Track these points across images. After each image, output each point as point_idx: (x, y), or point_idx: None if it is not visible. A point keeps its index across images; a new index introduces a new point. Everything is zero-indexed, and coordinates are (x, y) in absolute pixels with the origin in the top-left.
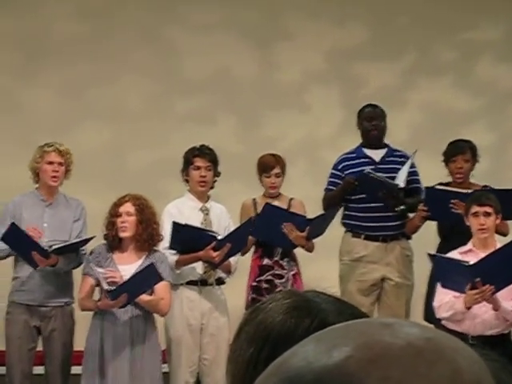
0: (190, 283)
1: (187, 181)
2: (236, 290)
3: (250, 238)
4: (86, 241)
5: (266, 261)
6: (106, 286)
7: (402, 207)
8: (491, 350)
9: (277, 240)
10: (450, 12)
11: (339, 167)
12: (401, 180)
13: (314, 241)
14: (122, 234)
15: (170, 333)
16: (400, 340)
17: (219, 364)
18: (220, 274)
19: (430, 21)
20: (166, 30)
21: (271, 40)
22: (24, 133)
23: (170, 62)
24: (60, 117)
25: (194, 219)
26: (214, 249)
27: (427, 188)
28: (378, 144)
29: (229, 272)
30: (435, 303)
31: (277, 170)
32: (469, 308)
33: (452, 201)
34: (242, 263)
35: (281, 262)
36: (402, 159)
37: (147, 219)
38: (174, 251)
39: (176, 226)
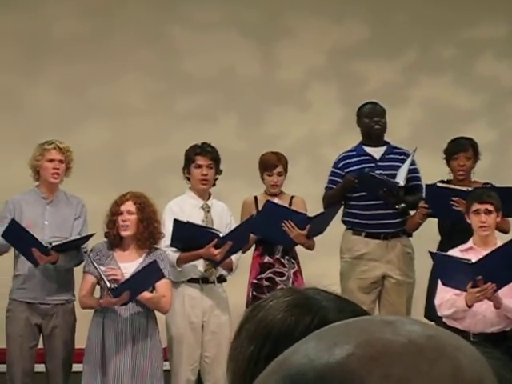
0: (192, 281)
1: (188, 179)
2: (237, 288)
3: (252, 235)
4: (87, 238)
5: (266, 258)
6: (108, 284)
7: (402, 205)
8: (493, 347)
9: (277, 237)
10: (451, 9)
11: (339, 165)
12: (401, 178)
13: (315, 238)
14: (124, 233)
15: (171, 330)
16: (401, 337)
17: (220, 362)
18: (221, 271)
19: (430, 18)
20: (168, 29)
21: (272, 38)
22: (25, 131)
23: (172, 61)
24: (61, 115)
25: (196, 217)
26: (216, 246)
27: (428, 185)
28: (378, 141)
29: (230, 270)
30: (436, 301)
31: (279, 169)
32: (470, 306)
33: (453, 198)
34: (243, 261)
35: (282, 259)
36: (402, 157)
37: (148, 218)
38: (175, 249)
39: (177, 224)
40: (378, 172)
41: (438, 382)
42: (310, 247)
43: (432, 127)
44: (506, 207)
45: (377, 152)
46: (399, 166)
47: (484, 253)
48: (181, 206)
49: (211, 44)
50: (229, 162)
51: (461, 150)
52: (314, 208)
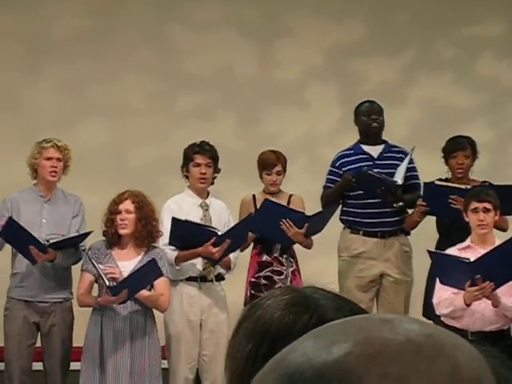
0: (190, 279)
1: (187, 177)
2: (235, 286)
3: (251, 234)
4: (84, 235)
5: (264, 257)
6: (107, 282)
7: (400, 203)
8: (491, 346)
9: (275, 236)
10: (451, 8)
11: (337, 164)
12: (399, 177)
13: (313, 237)
14: (122, 232)
15: (169, 329)
16: (399, 336)
17: (218, 360)
18: (219, 270)
19: (429, 17)
20: (167, 28)
21: (272, 38)
22: (25, 131)
23: (171, 60)
24: (61, 114)
25: (194, 215)
26: (214, 245)
27: (426, 183)
28: (376, 140)
29: (228, 268)
30: (434, 300)
31: (278, 168)
32: (468, 305)
33: (451, 196)
34: (242, 259)
35: (280, 258)
36: (400, 155)
37: (146, 216)
38: (173, 247)
39: (176, 222)
40: (375, 170)
41: (436, 380)
42: (308, 246)
43: (431, 127)
44: (504, 205)
45: (375, 150)
46: (397, 165)
47: (482, 251)
48: (179, 205)
49: (211, 44)
50: (227, 161)
51: (459, 148)
52: (313, 207)
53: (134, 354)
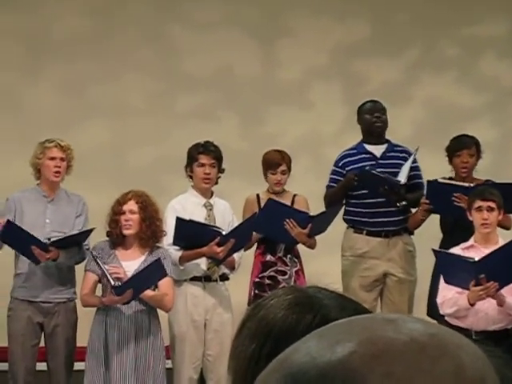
0: (194, 279)
1: (191, 177)
2: (240, 286)
3: (255, 234)
4: (86, 233)
5: (268, 257)
6: (112, 282)
7: (403, 203)
8: (495, 346)
9: (279, 236)
10: (452, 8)
11: (340, 164)
12: (403, 176)
13: (316, 237)
14: (126, 232)
15: (173, 329)
16: (403, 336)
17: (223, 360)
18: (224, 269)
19: (432, 16)
20: (168, 28)
21: (273, 38)
22: (26, 131)
23: (172, 60)
24: (62, 114)
25: (198, 215)
26: (218, 244)
27: (429, 181)
28: (379, 139)
29: (232, 268)
30: (438, 299)
31: (283, 168)
32: (473, 304)
33: (454, 194)
34: (246, 259)
35: (284, 258)
36: (403, 154)
37: (150, 216)
38: (177, 247)
39: (180, 222)
40: (379, 170)
41: (440, 380)
42: (312, 246)
43: (434, 126)
44: (508, 203)
45: (378, 150)
46: (400, 164)
47: (485, 250)
48: (183, 205)
49: (211, 43)
50: (230, 161)
51: (464, 147)
52: (316, 206)
53: (139, 353)
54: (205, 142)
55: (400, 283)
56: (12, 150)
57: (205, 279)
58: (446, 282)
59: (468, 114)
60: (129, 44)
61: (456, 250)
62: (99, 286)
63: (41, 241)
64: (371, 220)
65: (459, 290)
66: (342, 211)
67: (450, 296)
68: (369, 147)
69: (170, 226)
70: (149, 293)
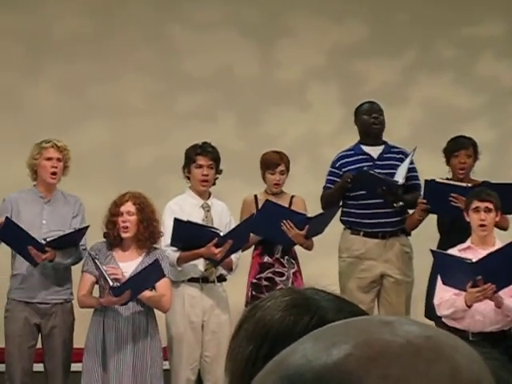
0: (192, 280)
1: (188, 178)
2: (237, 287)
3: (254, 236)
4: (81, 231)
5: (266, 258)
6: (111, 283)
7: (400, 203)
8: (492, 347)
9: (276, 237)
10: (451, 8)
11: (337, 165)
12: (400, 177)
13: (313, 238)
14: (124, 235)
15: (171, 330)
16: (399, 338)
17: (220, 361)
18: (221, 271)
19: (430, 17)
20: (168, 28)
21: (272, 38)
22: (25, 131)
23: (171, 60)
24: (62, 114)
25: (196, 216)
26: (216, 245)
27: (427, 181)
28: (376, 140)
29: (230, 269)
30: (435, 301)
31: (281, 168)
32: (470, 306)
33: (452, 194)
34: (243, 260)
35: (281, 259)
36: (400, 156)
37: (148, 218)
38: (175, 248)
39: (178, 223)
40: (376, 171)
41: (436, 382)
42: (309, 247)
43: (432, 127)
44: (504, 204)
45: (375, 151)
46: (397, 165)
47: (482, 252)
48: (181, 206)
49: (211, 44)
50: (228, 162)
51: (461, 147)
52: (314, 207)
53: (136, 354)
54: (202, 143)
55: (397, 284)
56: (12, 150)
57: (202, 280)
58: (444, 282)
59: (466, 115)
60: (128, 44)
61: (453, 252)
62: (96, 287)
63: (37, 241)
64: (368, 221)
65: (456, 291)
66: (339, 212)
67: (447, 297)
68: (366, 148)
69: (167, 227)
70: (147, 293)
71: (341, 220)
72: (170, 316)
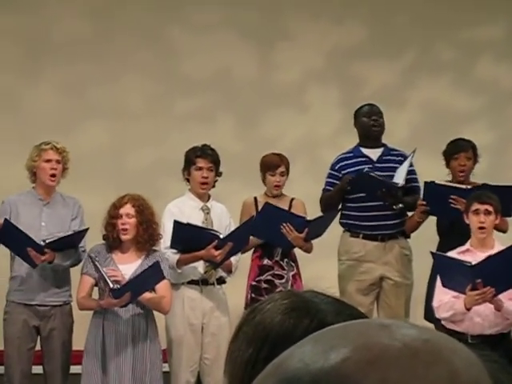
0: (191, 282)
1: (188, 180)
2: (237, 290)
3: (256, 239)
4: (81, 233)
5: (265, 261)
6: (111, 285)
7: (400, 205)
8: (491, 350)
9: (275, 240)
10: (450, 10)
11: (336, 167)
12: (400, 178)
13: (313, 241)
14: (124, 237)
15: (171, 332)
16: (397, 341)
17: (220, 363)
18: (221, 273)
19: (429, 19)
20: (167, 30)
21: (271, 40)
22: (25, 132)
23: (171, 62)
24: (61, 116)
25: (195, 218)
26: (216, 248)
27: (427, 182)
28: (376, 142)
29: (229, 271)
30: (434, 303)
31: (282, 169)
32: (469, 309)
33: (451, 196)
34: (243, 263)
35: (281, 262)
36: (399, 158)
37: (147, 220)
38: (175, 250)
39: (178, 225)
40: (376, 173)
41: None
42: (308, 250)
43: (431, 129)
44: (503, 206)
45: (374, 153)
46: (396, 168)
47: (481, 254)
48: (180, 208)
49: (210, 46)
50: (227, 164)
51: (461, 150)
52: (313, 209)
53: (136, 357)
54: (202, 145)
55: (396, 287)
56: (12, 152)
57: (202, 283)
58: (444, 285)
59: (465, 117)
60: (128, 46)
61: (452, 254)
62: (95, 289)
63: (37, 243)
64: (367, 224)
65: (455, 293)
66: (338, 215)
67: (446, 300)
68: (365, 151)
69: (167, 230)
70: (147, 295)
71: (340, 222)
72: (170, 318)
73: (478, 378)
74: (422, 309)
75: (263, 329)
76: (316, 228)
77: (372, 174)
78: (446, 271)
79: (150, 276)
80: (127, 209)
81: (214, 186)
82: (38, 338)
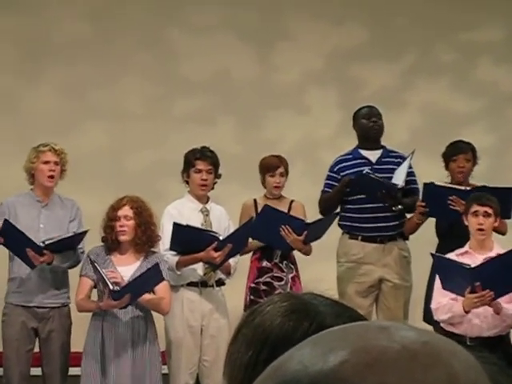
0: (191, 284)
1: (187, 182)
2: (236, 291)
3: (256, 242)
4: (80, 235)
5: (265, 263)
6: (111, 286)
7: (399, 207)
8: (490, 352)
9: (274, 242)
10: (450, 12)
11: (335, 169)
12: (400, 179)
13: (312, 243)
14: (122, 238)
15: (170, 334)
16: (396, 344)
17: (219, 365)
18: (220, 275)
19: (429, 21)
20: (166, 32)
21: (270, 41)
22: (25, 133)
23: (170, 64)
24: (61, 118)
25: (194, 220)
26: (216, 249)
27: (426, 183)
28: (375, 144)
29: (228, 273)
30: (433, 305)
31: (281, 170)
32: (467, 312)
33: (450, 198)
34: (242, 265)
35: (280, 264)
36: (398, 160)
37: (145, 222)
38: (174, 252)
39: (177, 227)
40: (376, 174)
41: None
42: (307, 253)
43: (430, 131)
44: (502, 208)
45: (373, 155)
46: (395, 170)
47: (480, 256)
48: (179, 210)
49: (209, 47)
50: (226, 166)
51: (460, 151)
52: (313, 211)
53: (135, 359)
54: (202, 147)
55: (395, 289)
56: (11, 153)
57: (201, 284)
58: (444, 287)
59: (464, 120)
60: (127, 48)
61: (450, 256)
62: (94, 291)
63: (36, 244)
64: (366, 225)
65: (453, 295)
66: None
67: (444, 302)
68: (364, 152)
69: (166, 232)
70: (146, 296)
71: (339, 224)
72: (169, 320)
73: (476, 380)
74: (421, 311)
75: (263, 331)
76: (315, 231)
77: (372, 175)
78: (446, 273)
79: (150, 277)
80: (125, 211)
81: (213, 188)
82: (37, 339)
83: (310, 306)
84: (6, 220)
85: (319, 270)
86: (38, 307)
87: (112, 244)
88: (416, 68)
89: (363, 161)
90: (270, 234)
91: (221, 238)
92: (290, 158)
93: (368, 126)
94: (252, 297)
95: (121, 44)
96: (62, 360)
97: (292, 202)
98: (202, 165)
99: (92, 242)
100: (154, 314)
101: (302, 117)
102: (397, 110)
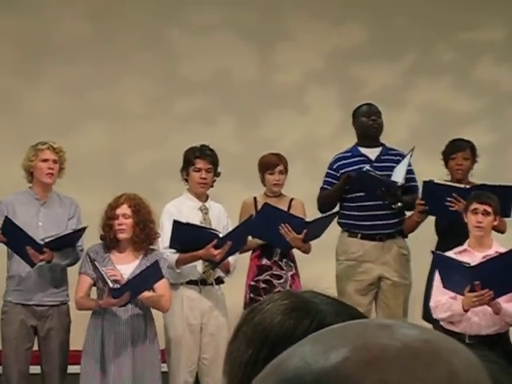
0: (190, 282)
1: (186, 180)
2: (235, 289)
3: (257, 240)
4: (79, 232)
5: (264, 261)
6: (111, 284)
7: (399, 204)
8: (489, 350)
9: (274, 240)
10: (450, 12)
11: (334, 166)
12: (399, 177)
13: (311, 242)
14: (120, 237)
15: (169, 332)
16: (397, 342)
17: (219, 363)
18: (219, 273)
19: (429, 21)
20: (167, 32)
21: (271, 41)
22: (25, 133)
23: (170, 64)
24: (61, 117)
25: (194, 218)
26: (215, 247)
27: (425, 182)
28: (374, 142)
29: (227, 271)
30: (432, 303)
31: (280, 168)
32: (466, 310)
33: (449, 198)
34: (241, 262)
35: (279, 262)
36: (398, 158)
37: (144, 220)
38: (174, 250)
39: (177, 225)
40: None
41: None
42: (306, 251)
43: (430, 131)
44: (502, 207)
45: (372, 153)
46: (394, 167)
47: (478, 254)
48: (178, 208)
49: (210, 47)
50: (227, 165)
51: (459, 149)
52: (312, 210)
53: (135, 357)
54: (201, 145)
55: (395, 287)
56: (11, 152)
57: (201, 283)
58: (444, 285)
59: (464, 119)
60: (127, 48)
61: (449, 254)
62: (93, 289)
63: (36, 241)
64: (366, 223)
65: (452, 294)
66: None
67: (443, 301)
68: (363, 150)
69: (166, 230)
70: (146, 294)
71: (338, 222)
72: (169, 318)
73: (477, 378)
74: (420, 309)
75: (263, 329)
76: (314, 229)
77: (372, 172)
78: (446, 271)
79: (150, 275)
80: (123, 209)
81: (212, 186)
82: (36, 338)
83: (311, 305)
84: (6, 217)
85: (318, 268)
86: (37, 305)
87: (110, 242)
88: (416, 68)
89: (362, 158)
90: (269, 232)
91: (220, 235)
92: (290, 157)
93: (367, 124)
94: (251, 295)
95: (121, 44)
96: (61, 358)
97: (292, 200)
98: (201, 163)
99: (91, 241)
100: (154, 312)
101: (302, 116)
102: (397, 109)
